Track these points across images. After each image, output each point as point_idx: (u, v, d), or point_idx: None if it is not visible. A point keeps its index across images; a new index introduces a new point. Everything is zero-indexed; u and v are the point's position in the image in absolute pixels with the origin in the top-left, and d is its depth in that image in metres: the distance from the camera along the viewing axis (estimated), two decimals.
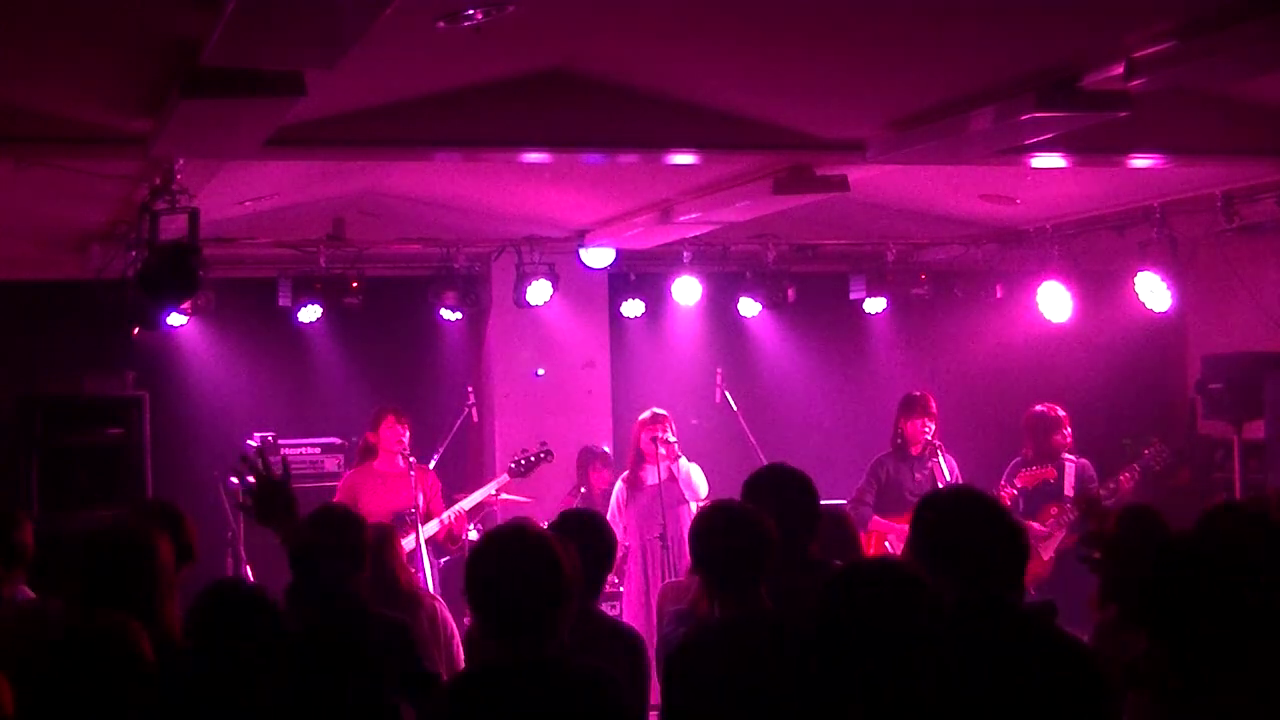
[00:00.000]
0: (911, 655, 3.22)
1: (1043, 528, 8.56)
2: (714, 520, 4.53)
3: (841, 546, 5.51)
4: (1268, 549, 4.30)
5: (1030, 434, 9.03)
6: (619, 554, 8.79)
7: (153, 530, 4.43)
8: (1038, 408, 9.08)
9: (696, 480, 8.90)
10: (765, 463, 9.22)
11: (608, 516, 8.88)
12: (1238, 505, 4.95)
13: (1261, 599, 3.34)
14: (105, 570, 4.26)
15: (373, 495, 8.57)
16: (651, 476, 8.79)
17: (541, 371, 10.98)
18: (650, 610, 8.39)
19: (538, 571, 3.60)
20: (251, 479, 4.52)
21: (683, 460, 8.86)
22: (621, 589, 9.00)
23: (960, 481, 8.56)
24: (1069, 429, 8.96)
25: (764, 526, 4.41)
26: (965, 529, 3.89)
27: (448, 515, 8.69)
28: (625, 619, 8.54)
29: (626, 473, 8.94)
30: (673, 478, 8.74)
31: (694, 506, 8.71)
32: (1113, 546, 5.19)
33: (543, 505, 9.07)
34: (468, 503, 8.86)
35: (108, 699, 3.56)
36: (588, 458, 10.22)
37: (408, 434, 8.75)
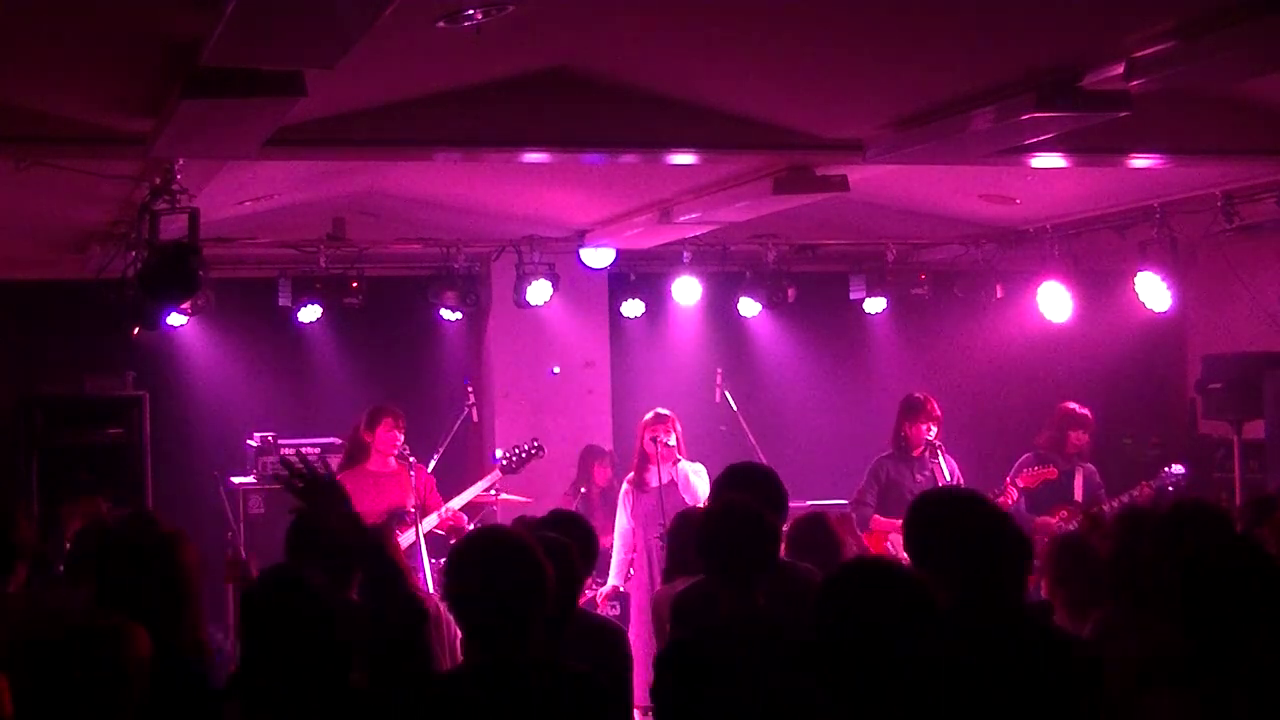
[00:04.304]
0: (909, 656, 3.22)
1: (1052, 524, 8.56)
2: (716, 516, 4.55)
3: (819, 550, 5.52)
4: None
5: (1054, 426, 9.05)
6: (627, 556, 8.79)
7: (176, 535, 4.45)
8: (1068, 404, 9.11)
9: (696, 483, 8.87)
10: (765, 462, 9.29)
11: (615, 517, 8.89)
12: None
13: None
14: (120, 573, 4.27)
15: (365, 496, 8.49)
16: (655, 478, 8.76)
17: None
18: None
19: (517, 573, 3.63)
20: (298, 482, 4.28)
21: (684, 463, 8.84)
22: (624, 590, 8.95)
23: (961, 483, 8.56)
24: (1088, 434, 8.97)
25: (766, 523, 4.42)
26: (954, 530, 3.89)
27: (446, 509, 8.67)
28: (631, 620, 8.50)
29: (632, 474, 8.90)
30: (674, 479, 8.72)
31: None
32: (1117, 550, 5.18)
33: (542, 504, 9.02)
34: (458, 501, 8.83)
35: (99, 701, 3.57)
36: (590, 456, 10.26)
37: (402, 436, 8.73)
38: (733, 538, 4.43)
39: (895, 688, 3.22)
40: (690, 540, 4.94)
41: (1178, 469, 8.95)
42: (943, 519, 4.00)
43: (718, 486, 5.13)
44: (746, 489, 4.97)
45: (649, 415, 8.88)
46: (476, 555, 3.72)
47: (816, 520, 6.02)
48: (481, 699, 3.57)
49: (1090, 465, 9.02)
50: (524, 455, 8.89)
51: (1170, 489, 8.96)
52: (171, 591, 4.22)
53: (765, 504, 4.75)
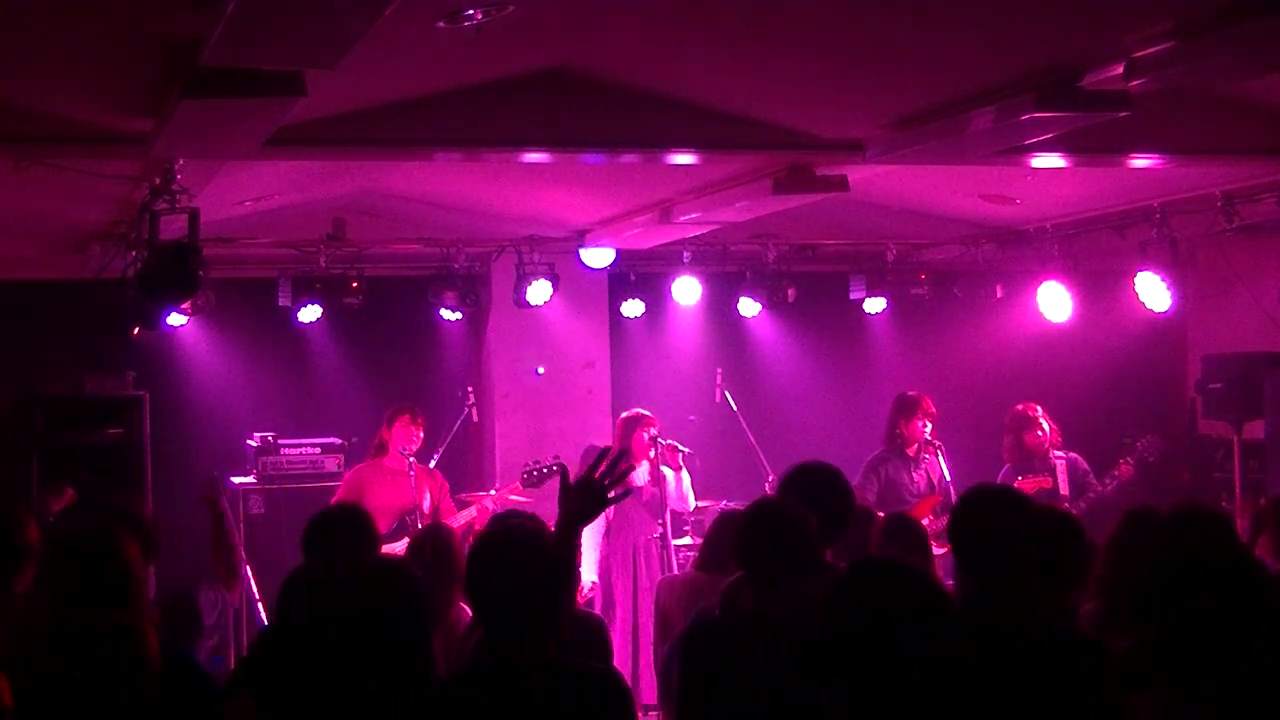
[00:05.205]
0: (916, 655, 3.22)
1: None
2: (752, 514, 4.57)
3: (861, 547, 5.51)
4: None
5: (1007, 433, 9.13)
6: (595, 552, 8.75)
7: (120, 532, 4.48)
8: (1017, 407, 9.17)
9: (688, 490, 8.86)
10: (765, 463, 9.29)
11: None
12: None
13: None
14: (78, 570, 4.29)
15: (380, 491, 8.55)
16: (638, 477, 8.73)
17: (541, 370, 11.00)
18: (640, 611, 8.37)
19: (538, 572, 3.61)
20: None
21: (684, 471, 8.82)
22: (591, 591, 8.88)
23: (950, 481, 8.60)
24: (1044, 428, 8.98)
25: (800, 525, 4.42)
26: (971, 529, 3.90)
27: (488, 502, 8.76)
28: (616, 620, 8.47)
29: None
30: (663, 479, 8.66)
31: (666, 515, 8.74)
32: (1114, 547, 5.20)
33: (541, 504, 9.03)
34: (463, 516, 8.84)
35: (100, 701, 3.57)
36: (593, 457, 10.24)
37: (421, 435, 8.76)
38: (760, 537, 4.43)
39: (901, 687, 3.22)
40: (726, 539, 4.96)
41: (1148, 440, 9.00)
42: (963, 518, 4.02)
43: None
44: (795, 490, 4.94)
45: (636, 412, 8.83)
46: (481, 554, 3.71)
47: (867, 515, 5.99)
48: (485, 700, 3.56)
49: (1070, 454, 9.02)
50: (545, 472, 8.90)
51: (1150, 459, 9.00)
52: (119, 585, 4.24)
53: (815, 504, 4.73)
